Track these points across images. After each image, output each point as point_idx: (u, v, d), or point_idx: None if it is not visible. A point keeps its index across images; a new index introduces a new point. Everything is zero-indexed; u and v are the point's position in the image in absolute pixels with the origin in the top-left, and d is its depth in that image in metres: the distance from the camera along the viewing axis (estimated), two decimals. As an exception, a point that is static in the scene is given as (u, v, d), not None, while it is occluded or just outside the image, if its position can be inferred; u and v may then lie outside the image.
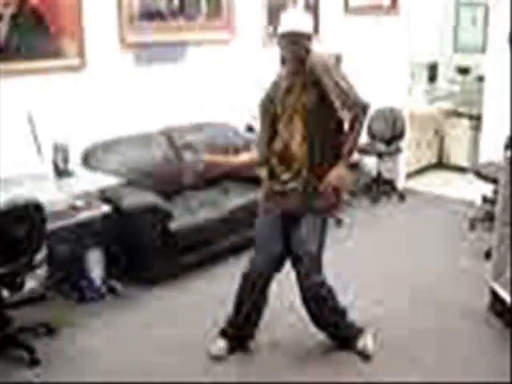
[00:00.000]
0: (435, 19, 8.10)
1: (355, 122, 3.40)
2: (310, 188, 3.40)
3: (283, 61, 3.50)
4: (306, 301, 3.53)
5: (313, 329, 3.67)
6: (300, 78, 3.36)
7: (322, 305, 3.51)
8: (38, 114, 4.14)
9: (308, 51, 3.35)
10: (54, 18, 4.38)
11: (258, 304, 3.58)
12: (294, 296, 3.67)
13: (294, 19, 3.37)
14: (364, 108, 3.44)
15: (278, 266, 3.54)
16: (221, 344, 3.62)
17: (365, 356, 3.59)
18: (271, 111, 3.46)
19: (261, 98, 3.52)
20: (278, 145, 3.43)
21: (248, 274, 3.52)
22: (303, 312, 3.62)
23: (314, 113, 3.34)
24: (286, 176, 3.42)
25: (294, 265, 3.51)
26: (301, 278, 3.47)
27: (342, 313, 3.62)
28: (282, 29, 3.32)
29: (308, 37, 3.33)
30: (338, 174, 3.38)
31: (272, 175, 3.48)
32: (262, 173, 3.54)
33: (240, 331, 3.65)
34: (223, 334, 3.66)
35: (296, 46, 3.29)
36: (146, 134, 4.99)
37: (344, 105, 3.36)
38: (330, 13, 6.49)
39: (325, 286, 3.49)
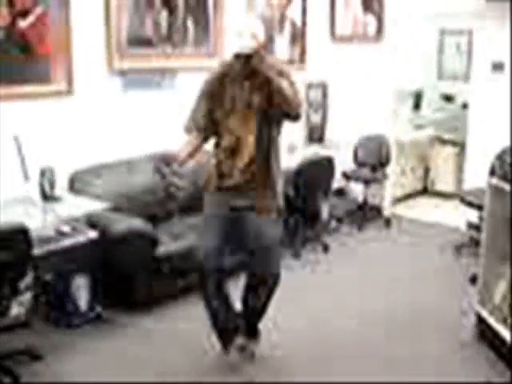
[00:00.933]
0: (420, 47, 8.22)
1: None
2: (260, 186, 3.52)
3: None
4: (252, 286, 3.68)
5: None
6: (252, 79, 3.44)
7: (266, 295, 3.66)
8: (25, 139, 4.13)
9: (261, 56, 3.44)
10: (43, 44, 4.40)
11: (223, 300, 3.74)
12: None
13: (251, 33, 3.39)
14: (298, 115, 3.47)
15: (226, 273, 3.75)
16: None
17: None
18: (215, 99, 3.52)
19: (210, 79, 3.57)
20: (228, 140, 3.51)
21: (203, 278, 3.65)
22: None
23: (265, 113, 3.45)
24: (235, 172, 3.52)
25: (250, 256, 3.63)
26: (256, 268, 3.60)
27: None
28: (240, 46, 3.39)
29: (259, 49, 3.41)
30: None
31: (219, 170, 3.58)
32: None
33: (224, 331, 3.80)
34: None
35: (255, 60, 3.40)
36: (133, 160, 5.00)
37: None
38: (317, 41, 6.58)
39: (279, 280, 3.62)
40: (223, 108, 3.51)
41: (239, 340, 3.83)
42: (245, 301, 3.77)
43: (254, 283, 3.66)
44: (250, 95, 3.46)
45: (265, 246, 3.55)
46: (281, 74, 3.42)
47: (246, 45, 3.37)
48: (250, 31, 3.40)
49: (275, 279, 3.61)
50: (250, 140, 3.47)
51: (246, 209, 3.55)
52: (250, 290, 3.72)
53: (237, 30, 3.47)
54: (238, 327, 3.81)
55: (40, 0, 4.34)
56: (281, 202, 3.64)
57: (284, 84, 3.35)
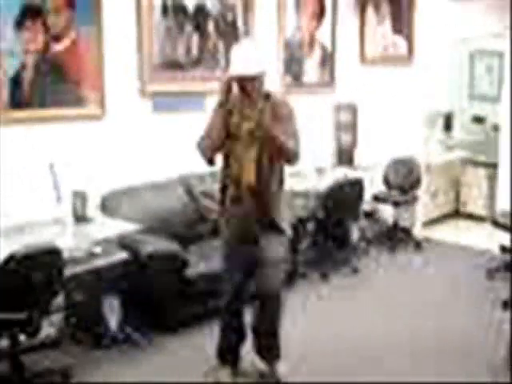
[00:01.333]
0: (451, 68, 8.19)
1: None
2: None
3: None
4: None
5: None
6: (256, 109, 3.44)
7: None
8: (58, 161, 4.20)
9: (261, 87, 3.48)
10: (76, 67, 4.48)
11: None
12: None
13: (246, 58, 3.41)
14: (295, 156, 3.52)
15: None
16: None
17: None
18: (227, 120, 3.51)
19: (221, 100, 3.52)
20: (234, 167, 3.55)
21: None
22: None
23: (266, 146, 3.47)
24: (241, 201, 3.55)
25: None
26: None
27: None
28: (233, 70, 3.40)
29: (259, 77, 3.44)
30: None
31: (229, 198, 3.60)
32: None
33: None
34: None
35: (249, 87, 3.42)
36: (164, 181, 5.04)
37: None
38: (346, 63, 6.60)
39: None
40: (230, 133, 3.54)
41: (259, 365, 3.85)
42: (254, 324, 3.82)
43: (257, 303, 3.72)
44: (251, 123, 3.48)
45: (267, 264, 3.60)
46: (279, 117, 3.46)
47: (244, 71, 3.37)
48: (252, 56, 3.42)
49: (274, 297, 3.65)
50: (252, 167, 3.52)
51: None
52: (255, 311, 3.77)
53: (237, 53, 3.47)
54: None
55: (74, 25, 4.43)
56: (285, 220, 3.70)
57: (279, 132, 3.39)
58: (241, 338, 3.88)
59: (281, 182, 3.66)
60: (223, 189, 3.65)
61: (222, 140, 3.52)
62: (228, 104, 3.49)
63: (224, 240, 3.74)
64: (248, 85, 3.41)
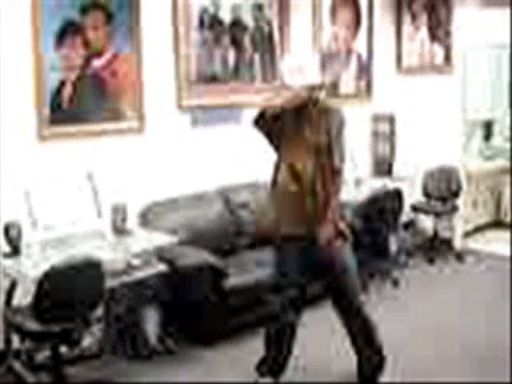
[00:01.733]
0: (490, 76, 8.08)
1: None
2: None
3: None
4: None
5: None
6: (310, 118, 3.51)
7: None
8: (99, 175, 4.27)
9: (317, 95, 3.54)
10: (115, 82, 4.55)
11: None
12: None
13: (301, 68, 3.45)
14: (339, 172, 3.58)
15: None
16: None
17: None
18: (276, 134, 3.61)
19: (263, 116, 3.59)
20: (289, 183, 3.57)
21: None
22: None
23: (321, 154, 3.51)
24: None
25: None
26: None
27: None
28: (288, 79, 3.45)
29: (317, 86, 3.53)
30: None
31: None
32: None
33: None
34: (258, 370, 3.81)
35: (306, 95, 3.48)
36: (202, 194, 5.07)
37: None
38: (383, 73, 6.56)
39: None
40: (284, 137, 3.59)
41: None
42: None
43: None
44: (312, 134, 3.52)
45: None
46: (331, 127, 3.51)
47: (302, 81, 3.44)
48: (310, 67, 3.48)
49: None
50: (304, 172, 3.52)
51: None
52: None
53: (294, 63, 3.51)
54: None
55: (113, 40, 4.51)
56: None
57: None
58: (290, 350, 3.79)
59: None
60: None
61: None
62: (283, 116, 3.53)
63: (277, 244, 3.71)
64: (301, 93, 3.46)
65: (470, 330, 4.73)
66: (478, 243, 7.02)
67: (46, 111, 4.22)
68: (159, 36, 4.81)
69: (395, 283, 5.70)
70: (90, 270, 3.48)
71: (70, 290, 3.40)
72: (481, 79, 7.75)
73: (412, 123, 6.67)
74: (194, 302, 4.40)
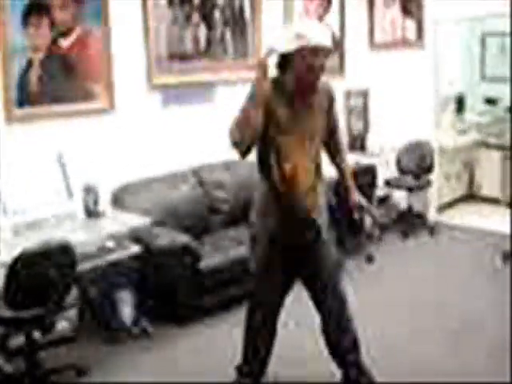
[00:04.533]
0: (461, 50, 8.10)
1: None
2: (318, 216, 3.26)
3: (283, 67, 3.07)
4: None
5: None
6: (314, 100, 3.14)
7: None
8: (69, 156, 4.22)
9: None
10: (83, 62, 4.48)
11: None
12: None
13: (322, 30, 3.01)
14: None
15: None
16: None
17: None
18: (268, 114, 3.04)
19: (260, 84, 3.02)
20: (286, 166, 3.10)
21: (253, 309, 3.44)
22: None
23: (321, 138, 3.25)
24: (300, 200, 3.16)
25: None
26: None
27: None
28: (313, 40, 2.91)
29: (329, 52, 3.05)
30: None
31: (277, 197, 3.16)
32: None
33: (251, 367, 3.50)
34: (239, 371, 3.54)
35: (323, 65, 2.99)
36: (175, 174, 5.03)
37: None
38: (355, 49, 6.53)
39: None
40: (278, 127, 3.08)
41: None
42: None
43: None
44: (308, 117, 3.13)
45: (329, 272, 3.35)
46: (332, 109, 3.30)
47: (326, 41, 2.96)
48: (320, 32, 2.98)
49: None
50: (308, 168, 3.17)
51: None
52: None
53: (296, 31, 2.97)
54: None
55: (80, 20, 4.42)
56: None
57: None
58: (270, 348, 3.50)
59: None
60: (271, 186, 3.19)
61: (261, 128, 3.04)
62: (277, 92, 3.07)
63: (263, 243, 3.27)
64: (322, 62, 2.97)
65: (445, 302, 4.79)
66: (451, 217, 7.09)
67: (13, 93, 4.14)
68: (128, 14, 4.72)
69: (370, 258, 5.73)
70: (62, 253, 3.43)
71: (42, 275, 3.36)
72: (453, 53, 7.77)
73: (385, 99, 6.67)
74: (168, 282, 4.39)
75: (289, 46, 2.96)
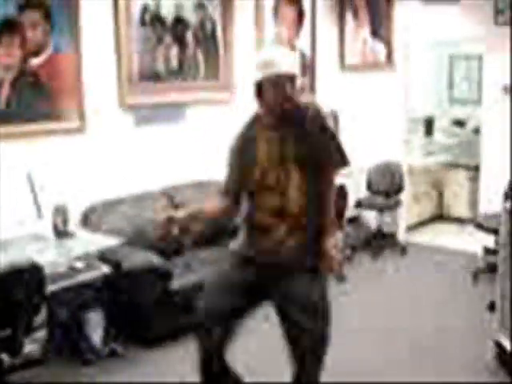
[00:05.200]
0: (430, 72, 8.24)
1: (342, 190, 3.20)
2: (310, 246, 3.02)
3: (260, 101, 2.99)
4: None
5: None
6: (293, 126, 2.96)
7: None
8: (38, 176, 4.17)
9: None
10: (55, 82, 4.45)
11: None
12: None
13: (282, 57, 2.93)
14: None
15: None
16: None
17: None
18: (250, 159, 2.98)
19: (235, 142, 3.07)
20: (271, 201, 2.96)
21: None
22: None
23: (312, 166, 2.98)
24: (280, 232, 2.97)
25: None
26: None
27: None
28: (269, 70, 2.86)
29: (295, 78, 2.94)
30: (334, 243, 3.05)
31: (261, 230, 3.01)
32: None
33: None
34: None
35: (290, 90, 2.89)
36: (146, 194, 5.00)
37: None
38: (326, 70, 6.60)
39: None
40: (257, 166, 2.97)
41: None
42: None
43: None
44: (288, 145, 2.94)
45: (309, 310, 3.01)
46: (324, 129, 3.03)
47: (280, 68, 2.86)
48: (285, 59, 2.92)
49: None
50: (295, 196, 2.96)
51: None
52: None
53: (262, 59, 2.94)
54: None
55: (51, 38, 4.41)
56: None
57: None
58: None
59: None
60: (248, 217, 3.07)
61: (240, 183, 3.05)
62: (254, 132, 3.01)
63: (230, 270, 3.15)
64: (287, 86, 2.87)
65: (412, 322, 4.83)
66: (421, 237, 7.16)
67: (-18, 112, 4.11)
68: (100, 34, 4.72)
69: (341, 278, 5.75)
70: (30, 274, 3.39)
71: (10, 296, 3.31)
72: (422, 76, 7.91)
73: (355, 120, 6.74)
74: (139, 303, 4.35)
75: (257, 74, 2.93)
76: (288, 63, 2.93)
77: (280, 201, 2.94)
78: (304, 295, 3.00)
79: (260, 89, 2.95)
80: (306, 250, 3.02)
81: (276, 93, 2.90)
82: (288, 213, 2.95)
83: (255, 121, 3.07)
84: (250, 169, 2.98)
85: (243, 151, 3.03)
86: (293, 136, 2.94)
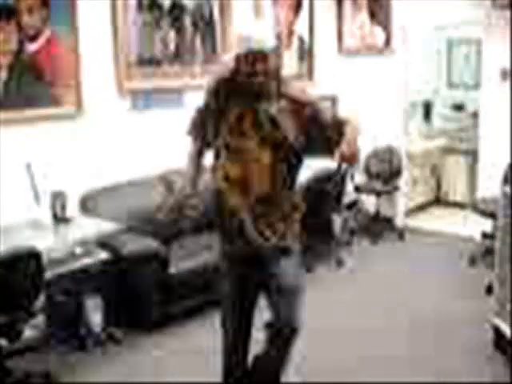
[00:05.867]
0: (428, 56, 8.21)
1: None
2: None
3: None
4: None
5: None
6: (270, 105, 2.88)
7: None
8: (36, 162, 4.17)
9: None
10: (51, 67, 4.43)
11: None
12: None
13: (263, 32, 2.90)
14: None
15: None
16: None
17: None
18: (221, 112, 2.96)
19: (198, 111, 3.16)
20: (236, 170, 2.94)
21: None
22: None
23: (283, 148, 2.90)
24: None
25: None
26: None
27: None
28: (245, 46, 2.80)
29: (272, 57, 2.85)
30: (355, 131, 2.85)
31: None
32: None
33: None
34: None
35: (260, 67, 2.81)
36: (145, 179, 5.00)
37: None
38: (325, 55, 6.59)
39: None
40: (228, 126, 2.94)
41: None
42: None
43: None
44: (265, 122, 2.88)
45: (285, 294, 2.99)
46: (315, 111, 2.94)
47: (262, 44, 2.80)
48: (264, 35, 2.87)
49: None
50: (265, 172, 2.90)
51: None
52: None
53: (244, 34, 2.89)
54: None
55: (48, 24, 4.38)
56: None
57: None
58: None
59: (292, 188, 3.06)
60: (218, 195, 3.05)
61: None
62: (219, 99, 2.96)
63: (225, 260, 3.17)
64: (259, 64, 2.79)
65: (410, 306, 4.85)
66: (419, 221, 7.17)
67: (-21, 97, 4.09)
68: (97, 19, 4.70)
69: (339, 263, 5.77)
70: (29, 260, 3.40)
71: (9, 282, 3.32)
72: (420, 60, 7.87)
73: (354, 104, 6.72)
74: (137, 288, 4.36)
75: (236, 48, 2.90)
76: (265, 39, 2.84)
77: (244, 174, 2.90)
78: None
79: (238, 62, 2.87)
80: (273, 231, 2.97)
81: (251, 70, 2.82)
82: (255, 190, 2.90)
83: (232, 82, 2.94)
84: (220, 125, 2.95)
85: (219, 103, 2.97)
86: (268, 114, 2.87)
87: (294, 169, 3.03)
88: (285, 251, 2.99)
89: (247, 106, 2.90)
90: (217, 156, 3.06)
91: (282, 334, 2.96)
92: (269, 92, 2.89)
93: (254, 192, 2.91)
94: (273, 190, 2.93)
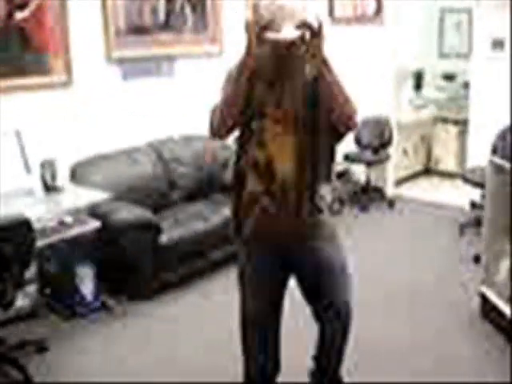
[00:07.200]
0: (419, 26, 8.17)
1: None
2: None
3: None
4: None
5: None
6: (295, 74, 2.69)
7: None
8: (26, 131, 4.15)
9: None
10: (40, 35, 4.39)
11: None
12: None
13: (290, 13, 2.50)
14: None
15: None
16: None
17: None
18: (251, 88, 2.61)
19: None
20: (259, 157, 2.68)
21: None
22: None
23: (312, 122, 2.68)
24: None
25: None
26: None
27: None
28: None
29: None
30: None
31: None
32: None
33: None
34: None
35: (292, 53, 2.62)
36: (135, 148, 5.00)
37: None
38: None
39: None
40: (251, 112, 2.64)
41: None
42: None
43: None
44: (287, 99, 2.66)
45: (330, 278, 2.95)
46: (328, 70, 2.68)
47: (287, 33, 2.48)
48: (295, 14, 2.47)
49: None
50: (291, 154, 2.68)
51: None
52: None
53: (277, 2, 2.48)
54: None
55: (36, -9, 4.33)
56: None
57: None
58: (277, 366, 3.05)
59: (329, 167, 2.92)
60: (240, 179, 2.75)
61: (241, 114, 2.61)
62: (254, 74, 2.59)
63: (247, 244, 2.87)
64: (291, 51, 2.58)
65: (399, 273, 4.90)
66: (409, 191, 7.20)
67: (-33, 66, 4.05)
68: (85, -14, 4.65)
69: (330, 232, 5.80)
70: (19, 228, 3.39)
71: (0, 251, 3.32)
72: (411, 29, 7.83)
73: (344, 73, 6.69)
74: (129, 257, 4.38)
75: (265, 15, 2.53)
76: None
77: (270, 158, 2.66)
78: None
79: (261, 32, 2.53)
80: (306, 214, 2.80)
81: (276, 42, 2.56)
82: (282, 175, 2.67)
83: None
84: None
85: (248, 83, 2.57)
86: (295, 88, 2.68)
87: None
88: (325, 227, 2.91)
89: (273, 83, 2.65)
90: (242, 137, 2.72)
91: (341, 315, 2.93)
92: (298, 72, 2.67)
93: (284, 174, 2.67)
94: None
